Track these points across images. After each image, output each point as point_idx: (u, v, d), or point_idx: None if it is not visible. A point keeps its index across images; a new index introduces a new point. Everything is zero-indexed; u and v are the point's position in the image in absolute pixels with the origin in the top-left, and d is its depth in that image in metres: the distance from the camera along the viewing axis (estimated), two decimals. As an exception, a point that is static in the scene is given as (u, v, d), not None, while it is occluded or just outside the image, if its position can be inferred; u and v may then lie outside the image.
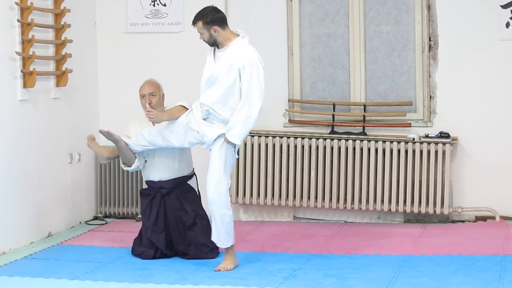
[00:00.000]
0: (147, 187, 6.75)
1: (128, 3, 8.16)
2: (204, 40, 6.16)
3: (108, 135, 6.50)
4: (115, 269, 6.25)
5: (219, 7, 7.93)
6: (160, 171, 6.60)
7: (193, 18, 6.14)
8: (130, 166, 6.61)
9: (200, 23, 6.08)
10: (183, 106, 6.41)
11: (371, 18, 7.86)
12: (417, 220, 7.86)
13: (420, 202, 7.67)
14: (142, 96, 6.58)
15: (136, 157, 6.58)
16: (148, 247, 6.56)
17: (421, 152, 7.65)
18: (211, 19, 6.04)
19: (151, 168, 6.63)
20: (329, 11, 7.93)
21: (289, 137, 7.89)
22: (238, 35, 6.13)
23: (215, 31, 6.05)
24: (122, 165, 6.71)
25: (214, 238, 6.22)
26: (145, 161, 6.66)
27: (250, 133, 7.92)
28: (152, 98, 6.57)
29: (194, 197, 6.66)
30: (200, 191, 6.70)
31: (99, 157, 6.82)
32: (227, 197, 6.16)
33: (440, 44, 7.67)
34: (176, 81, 7.86)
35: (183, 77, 7.96)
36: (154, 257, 6.52)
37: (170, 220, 6.57)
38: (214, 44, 6.13)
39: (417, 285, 5.65)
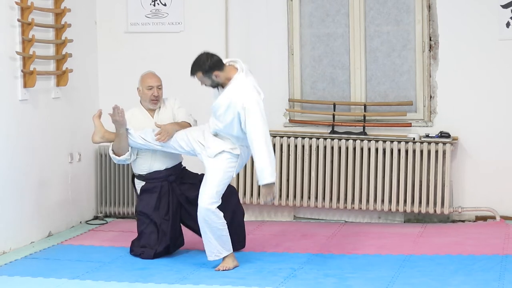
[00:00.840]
0: (145, 182, 6.65)
1: (128, 3, 8.16)
2: (206, 85, 6.16)
3: (119, 113, 6.37)
4: (116, 269, 6.25)
5: (219, 7, 8.02)
6: (166, 160, 6.60)
7: (190, 69, 6.09)
8: (119, 156, 6.56)
9: (199, 74, 6.08)
10: (189, 123, 6.56)
11: (372, 18, 7.86)
12: (417, 220, 7.86)
13: (420, 202, 7.67)
14: (150, 88, 6.60)
15: (128, 149, 6.56)
16: (150, 247, 6.55)
17: (421, 152, 7.65)
18: (210, 66, 6.02)
19: (155, 160, 6.59)
20: (329, 11, 7.93)
21: (289, 137, 7.89)
22: (236, 68, 6.11)
23: (216, 76, 6.05)
24: (110, 153, 6.59)
25: (206, 250, 6.22)
26: (137, 156, 6.62)
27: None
28: (159, 91, 6.64)
29: (190, 172, 6.75)
30: None
31: (95, 133, 6.65)
32: (219, 212, 6.14)
33: (441, 44, 7.67)
34: (177, 81, 7.85)
35: (183, 77, 7.91)
36: (154, 257, 6.51)
37: (175, 205, 6.59)
38: (217, 86, 6.14)
39: (417, 285, 5.65)
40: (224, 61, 6.14)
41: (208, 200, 6.09)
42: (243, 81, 6.06)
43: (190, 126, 6.58)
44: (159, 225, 6.54)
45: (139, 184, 6.69)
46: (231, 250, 6.22)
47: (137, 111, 6.68)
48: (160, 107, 6.70)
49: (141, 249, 6.58)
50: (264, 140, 5.99)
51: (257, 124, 5.99)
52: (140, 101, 6.72)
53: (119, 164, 8.03)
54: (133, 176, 6.78)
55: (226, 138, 6.19)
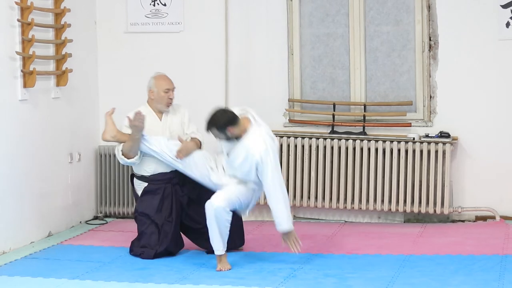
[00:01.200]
0: (147, 183, 6.61)
1: (128, 3, 8.16)
2: (220, 139, 6.33)
3: (140, 119, 6.37)
4: (115, 269, 6.25)
5: (219, 7, 8.01)
6: None
7: (206, 125, 6.20)
8: (129, 159, 6.53)
9: (214, 130, 6.21)
10: (200, 141, 6.66)
11: (371, 18, 7.86)
12: (417, 220, 7.86)
13: (420, 202, 7.67)
14: (167, 91, 6.61)
15: (138, 152, 6.54)
16: (150, 247, 6.54)
17: (421, 152, 7.65)
18: (224, 122, 6.17)
19: (161, 162, 6.54)
20: (329, 10, 7.93)
21: (289, 137, 7.89)
22: (249, 119, 6.28)
23: (230, 132, 6.19)
24: (119, 155, 6.54)
25: (213, 246, 6.27)
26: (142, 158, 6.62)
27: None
28: (173, 94, 6.66)
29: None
30: None
31: (107, 131, 6.58)
32: (230, 212, 6.26)
33: (440, 44, 7.67)
34: (176, 81, 7.85)
35: (183, 77, 7.93)
36: (154, 257, 6.51)
37: (177, 206, 6.59)
38: (233, 139, 6.27)
39: (417, 285, 5.65)
40: (235, 110, 6.28)
41: (223, 199, 6.21)
42: (258, 133, 6.24)
43: (200, 143, 6.65)
44: (160, 226, 6.54)
45: (140, 185, 6.68)
46: (225, 249, 6.26)
47: (146, 111, 6.62)
48: (169, 111, 6.69)
49: (141, 249, 6.58)
50: (280, 188, 6.21)
51: (273, 174, 6.18)
52: (148, 102, 6.69)
53: (119, 164, 8.04)
54: (132, 175, 6.77)
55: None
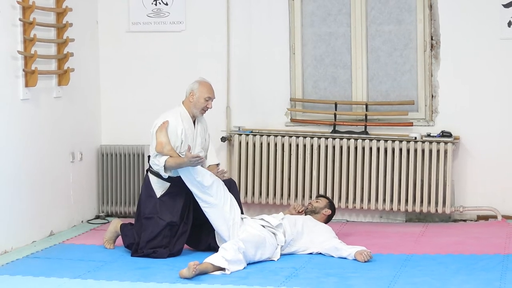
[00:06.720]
0: (170, 183, 6.56)
1: (130, 2, 8.16)
2: None
3: (199, 163, 6.40)
4: (117, 268, 6.25)
5: (221, 7, 8.02)
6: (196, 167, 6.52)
7: None
8: (166, 172, 6.50)
9: None
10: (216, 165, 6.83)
11: (373, 17, 7.86)
12: (419, 219, 7.86)
13: (422, 201, 7.67)
14: (208, 99, 6.62)
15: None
16: (164, 247, 6.52)
17: (423, 151, 7.65)
18: None
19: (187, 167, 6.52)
20: (331, 10, 7.93)
21: (290, 136, 7.89)
22: None
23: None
24: (160, 165, 6.42)
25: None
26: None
27: (252, 132, 7.97)
28: (211, 104, 6.68)
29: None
30: None
31: (166, 144, 6.46)
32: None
33: (442, 43, 7.67)
34: (178, 80, 7.87)
35: (184, 76, 7.93)
36: (168, 257, 6.49)
37: (192, 207, 6.62)
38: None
39: (418, 284, 5.65)
40: None
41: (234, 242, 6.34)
42: None
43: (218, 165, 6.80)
44: (178, 227, 6.53)
45: (159, 183, 6.60)
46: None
47: (182, 113, 6.60)
48: (200, 118, 6.74)
49: (152, 249, 6.53)
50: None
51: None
52: (184, 103, 6.65)
53: (120, 164, 8.07)
54: (147, 171, 6.71)
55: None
